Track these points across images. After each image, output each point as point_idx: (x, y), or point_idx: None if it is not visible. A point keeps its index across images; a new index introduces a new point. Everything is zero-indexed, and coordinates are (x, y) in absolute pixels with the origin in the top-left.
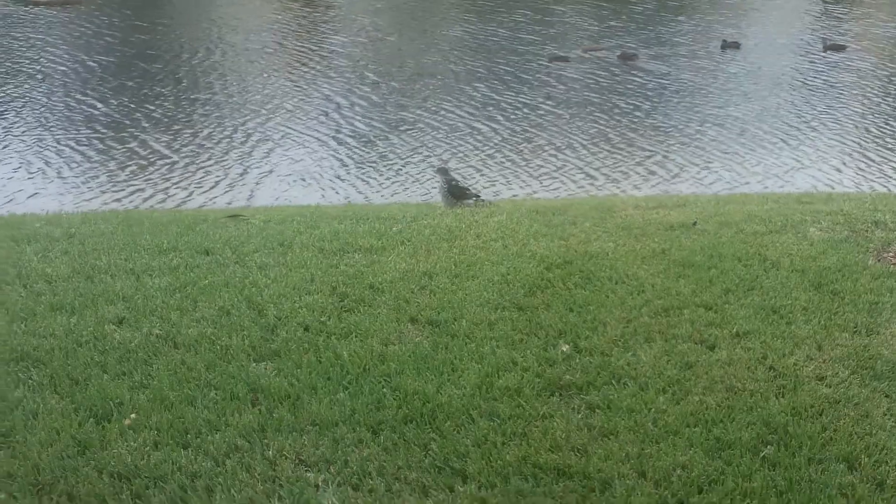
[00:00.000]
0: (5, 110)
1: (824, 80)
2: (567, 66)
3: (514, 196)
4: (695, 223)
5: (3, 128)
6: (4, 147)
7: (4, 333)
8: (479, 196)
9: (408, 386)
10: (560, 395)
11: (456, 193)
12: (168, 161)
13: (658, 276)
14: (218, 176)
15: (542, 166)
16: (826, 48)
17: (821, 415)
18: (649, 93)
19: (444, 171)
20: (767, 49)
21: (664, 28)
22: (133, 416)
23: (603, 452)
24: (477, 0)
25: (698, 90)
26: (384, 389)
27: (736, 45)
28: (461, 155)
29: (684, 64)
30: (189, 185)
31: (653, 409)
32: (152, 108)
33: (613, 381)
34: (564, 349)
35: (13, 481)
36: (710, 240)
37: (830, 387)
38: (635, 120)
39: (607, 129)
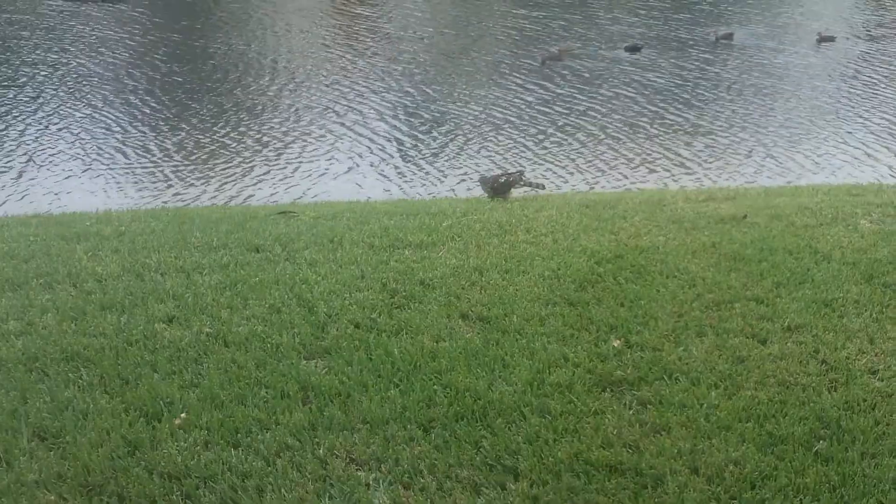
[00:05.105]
0: (53, 107)
1: (862, 71)
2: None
3: (562, 189)
4: (745, 216)
5: (58, 127)
6: (56, 145)
7: (55, 333)
8: (526, 179)
9: (459, 383)
10: (611, 390)
11: (501, 190)
12: (218, 158)
13: (709, 270)
14: (267, 173)
15: (587, 161)
16: (820, 40)
17: (874, 409)
18: (687, 88)
19: (484, 181)
20: (783, 41)
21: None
22: (183, 415)
23: (655, 448)
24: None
25: (728, 83)
26: (435, 386)
27: (729, 37)
28: (504, 149)
29: (711, 57)
30: (238, 182)
31: (705, 405)
32: (200, 105)
33: (665, 377)
34: (615, 344)
35: (63, 482)
36: (760, 233)
37: (883, 380)
38: (682, 115)
39: (653, 124)
